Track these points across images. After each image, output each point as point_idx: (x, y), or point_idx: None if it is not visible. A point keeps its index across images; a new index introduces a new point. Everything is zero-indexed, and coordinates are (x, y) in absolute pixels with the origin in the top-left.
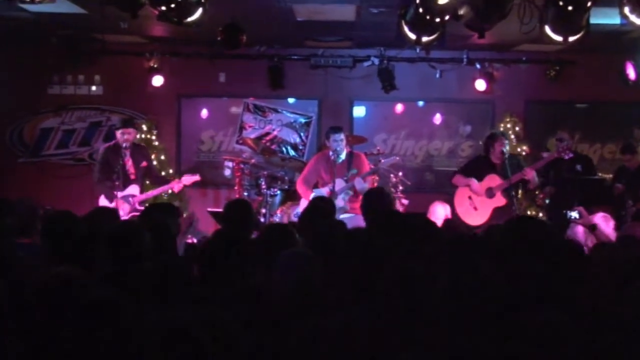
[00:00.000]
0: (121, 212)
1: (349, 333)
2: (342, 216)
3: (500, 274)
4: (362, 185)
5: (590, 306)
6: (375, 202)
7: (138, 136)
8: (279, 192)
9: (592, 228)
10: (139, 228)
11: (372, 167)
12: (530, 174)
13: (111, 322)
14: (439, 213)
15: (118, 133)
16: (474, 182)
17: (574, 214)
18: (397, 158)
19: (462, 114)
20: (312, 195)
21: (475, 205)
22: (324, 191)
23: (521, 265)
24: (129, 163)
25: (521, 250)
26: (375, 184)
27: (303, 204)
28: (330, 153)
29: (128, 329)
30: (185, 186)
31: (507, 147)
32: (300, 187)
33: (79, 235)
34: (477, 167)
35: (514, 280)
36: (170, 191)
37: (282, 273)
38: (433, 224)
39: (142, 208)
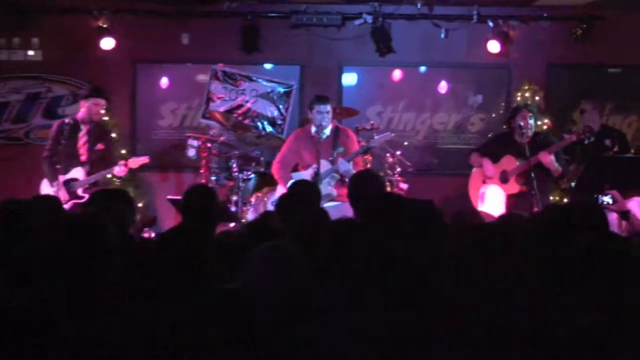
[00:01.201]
0: (62, 200)
1: (335, 343)
2: (328, 204)
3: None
4: (346, 167)
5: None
6: (362, 187)
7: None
8: (253, 175)
9: (624, 215)
10: (102, 220)
11: (363, 144)
12: (547, 158)
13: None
14: (491, 198)
15: (86, 104)
16: (486, 162)
17: (607, 199)
18: (392, 134)
19: (471, 82)
20: (291, 180)
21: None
22: (306, 174)
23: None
24: (82, 141)
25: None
26: (369, 165)
27: (280, 190)
28: (313, 128)
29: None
30: (131, 169)
31: (532, 122)
32: (276, 171)
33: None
34: (496, 145)
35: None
36: (112, 176)
37: (256, 273)
38: (439, 212)
39: (86, 195)
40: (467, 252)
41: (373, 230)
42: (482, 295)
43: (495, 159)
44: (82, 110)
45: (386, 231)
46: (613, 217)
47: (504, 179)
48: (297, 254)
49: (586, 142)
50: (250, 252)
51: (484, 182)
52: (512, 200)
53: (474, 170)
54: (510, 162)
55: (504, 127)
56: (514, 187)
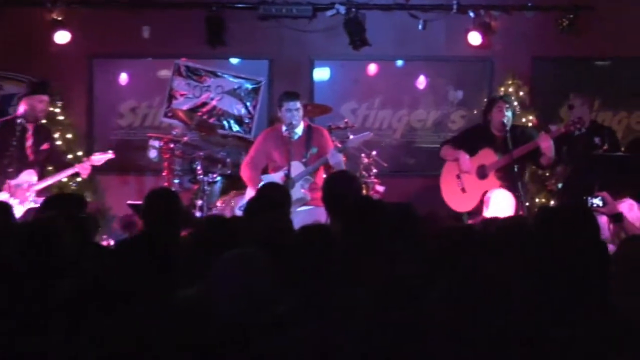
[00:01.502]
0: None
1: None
2: (301, 209)
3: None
4: (337, 158)
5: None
6: (338, 188)
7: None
8: (219, 178)
9: (616, 218)
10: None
11: (338, 145)
12: (546, 142)
13: None
14: (497, 203)
15: (30, 101)
16: (463, 155)
17: (597, 201)
18: (370, 133)
19: (451, 76)
20: (259, 184)
21: (464, 186)
22: (277, 177)
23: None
24: (29, 142)
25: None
26: (343, 167)
27: (250, 193)
28: (284, 127)
29: None
30: (94, 168)
31: (509, 114)
32: (245, 173)
33: None
34: (472, 138)
35: (534, 292)
36: (74, 177)
37: (220, 282)
38: (417, 216)
39: (41, 200)
40: (444, 258)
41: (349, 237)
42: (462, 306)
43: (470, 153)
44: (23, 108)
45: (363, 238)
46: (603, 220)
47: (481, 174)
48: (263, 262)
49: (576, 133)
50: (214, 259)
51: (458, 176)
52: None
53: (446, 164)
54: (488, 156)
55: (482, 121)
56: (494, 183)
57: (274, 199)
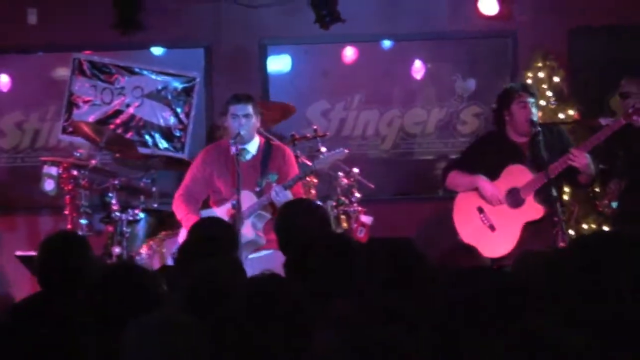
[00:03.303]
0: None
1: None
2: (254, 255)
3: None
4: (284, 196)
5: None
6: (295, 224)
7: None
8: (142, 215)
9: None
10: None
11: (307, 162)
12: (581, 159)
13: None
14: None
15: None
16: (483, 181)
17: None
18: (344, 150)
19: (459, 60)
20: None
21: (492, 223)
22: (221, 211)
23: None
24: None
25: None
26: (314, 191)
27: (184, 235)
28: (231, 143)
29: None
30: None
31: (535, 111)
32: (178, 207)
33: None
34: (485, 154)
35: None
36: None
37: (138, 354)
38: (420, 255)
39: None
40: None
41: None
42: None
43: (491, 175)
44: None
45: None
46: None
47: (515, 201)
48: (192, 331)
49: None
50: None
51: (480, 210)
52: (530, 231)
53: (459, 196)
54: (519, 174)
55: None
56: (536, 209)
57: (215, 242)
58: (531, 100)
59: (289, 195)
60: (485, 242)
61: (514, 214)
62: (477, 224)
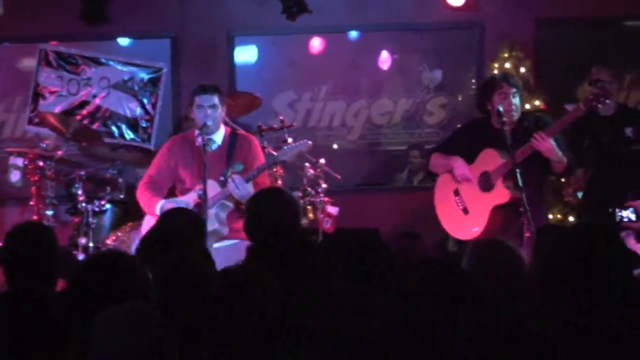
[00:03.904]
0: None
1: None
2: (219, 244)
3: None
4: (244, 190)
5: None
6: (264, 214)
7: None
8: (109, 206)
9: None
10: None
11: (273, 152)
12: (545, 144)
13: None
14: None
15: None
16: (457, 162)
17: (628, 214)
18: (309, 142)
19: (426, 51)
20: (158, 206)
21: (466, 205)
22: (187, 201)
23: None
24: None
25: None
26: (280, 182)
27: (149, 224)
28: (197, 133)
29: None
30: None
31: (517, 101)
32: (142, 196)
33: None
34: (469, 138)
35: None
36: None
37: (101, 347)
38: (385, 248)
39: None
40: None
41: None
42: None
43: (469, 158)
44: None
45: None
46: (631, 241)
47: (485, 185)
48: (162, 322)
49: (602, 111)
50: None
51: (456, 193)
52: (499, 215)
53: (440, 178)
54: (491, 159)
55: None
56: (503, 194)
57: (180, 231)
58: (513, 90)
59: (248, 188)
60: (459, 225)
61: (484, 198)
62: (453, 206)
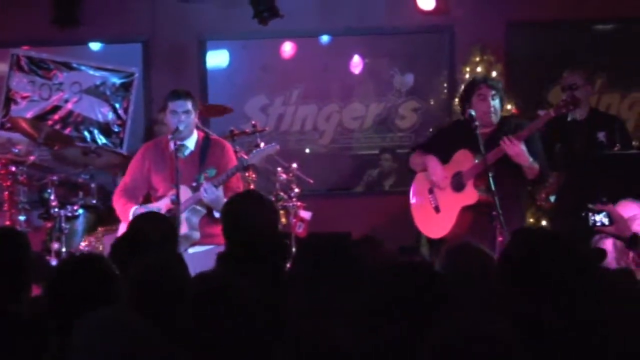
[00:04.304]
0: None
1: None
2: (194, 250)
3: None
4: (213, 194)
5: None
6: (244, 218)
7: None
8: (81, 211)
9: (631, 241)
10: None
11: (244, 157)
12: (514, 148)
13: None
14: None
15: None
16: (432, 161)
17: (601, 218)
18: (277, 147)
19: (397, 55)
20: (131, 212)
21: (438, 204)
22: (159, 206)
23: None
24: None
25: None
26: (252, 186)
27: (123, 229)
28: (170, 138)
29: None
30: None
31: (496, 103)
32: (117, 203)
33: None
34: (451, 139)
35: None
36: None
37: (85, 354)
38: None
39: None
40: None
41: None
42: None
43: (447, 158)
44: None
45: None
46: (609, 243)
47: (457, 185)
48: (140, 328)
49: (570, 117)
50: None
51: (430, 191)
52: (468, 216)
53: (416, 177)
54: (464, 159)
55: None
56: (472, 195)
57: (151, 236)
58: (492, 92)
59: (217, 192)
60: (430, 223)
61: (454, 198)
62: (426, 204)
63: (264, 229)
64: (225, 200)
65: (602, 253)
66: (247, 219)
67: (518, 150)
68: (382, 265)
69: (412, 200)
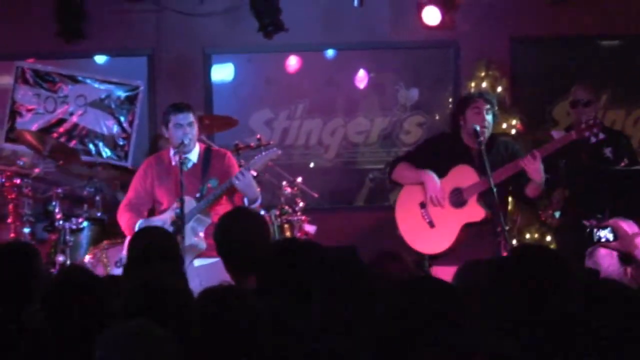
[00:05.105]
0: None
1: None
2: (199, 262)
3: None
4: (245, 180)
5: None
6: (236, 234)
7: None
8: (86, 224)
9: (625, 257)
10: None
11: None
12: (533, 165)
13: None
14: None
15: None
16: (429, 177)
17: (606, 234)
18: (279, 152)
19: (402, 69)
20: (136, 226)
21: (432, 219)
22: (163, 219)
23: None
24: None
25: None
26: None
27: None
28: (174, 152)
29: None
30: None
31: (490, 118)
32: (122, 218)
33: None
34: (437, 152)
35: None
36: None
37: None
38: (363, 265)
39: None
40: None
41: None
42: None
43: (436, 172)
44: None
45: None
46: (612, 259)
47: (457, 201)
48: (165, 342)
49: (592, 140)
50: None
51: (422, 205)
52: (469, 233)
53: (403, 189)
54: (465, 175)
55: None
56: (477, 212)
57: (152, 249)
58: (486, 107)
59: (249, 178)
60: (422, 238)
61: (455, 214)
62: (417, 219)
63: (256, 242)
64: (257, 188)
65: (595, 273)
66: (235, 234)
67: (538, 166)
68: (406, 278)
69: (399, 213)
